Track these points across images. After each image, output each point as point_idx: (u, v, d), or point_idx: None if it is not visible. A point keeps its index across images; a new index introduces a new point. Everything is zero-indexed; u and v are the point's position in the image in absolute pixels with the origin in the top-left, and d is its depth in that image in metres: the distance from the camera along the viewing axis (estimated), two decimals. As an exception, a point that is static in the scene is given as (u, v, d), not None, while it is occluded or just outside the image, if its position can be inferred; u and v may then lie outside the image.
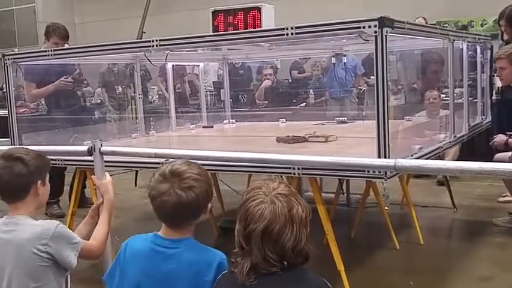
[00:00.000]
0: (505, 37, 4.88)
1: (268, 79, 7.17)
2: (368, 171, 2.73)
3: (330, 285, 1.60)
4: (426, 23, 7.00)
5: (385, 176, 2.71)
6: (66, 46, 5.14)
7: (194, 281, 1.75)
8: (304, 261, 1.55)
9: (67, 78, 5.10)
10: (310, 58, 7.23)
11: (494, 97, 4.76)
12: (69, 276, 2.02)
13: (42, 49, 4.56)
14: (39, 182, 2.01)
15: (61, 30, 5.23)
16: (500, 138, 4.09)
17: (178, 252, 1.79)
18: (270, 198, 1.52)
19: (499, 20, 4.99)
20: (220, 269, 1.74)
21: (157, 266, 1.79)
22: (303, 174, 2.96)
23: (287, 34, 2.95)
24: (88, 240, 2.12)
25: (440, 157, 4.02)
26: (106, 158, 2.72)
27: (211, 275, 1.74)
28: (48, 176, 2.08)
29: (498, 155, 4.09)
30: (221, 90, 5.63)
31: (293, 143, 3.78)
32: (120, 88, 7.31)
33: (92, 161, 2.70)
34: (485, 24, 8.60)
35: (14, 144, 3.97)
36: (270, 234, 1.48)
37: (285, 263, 1.53)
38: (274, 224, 1.48)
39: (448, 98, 4.08)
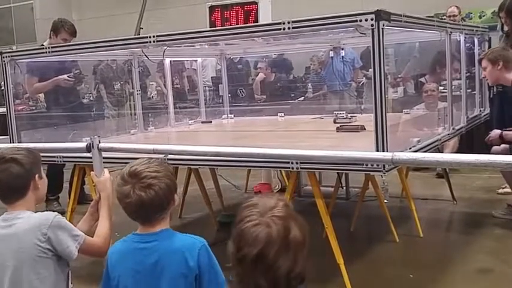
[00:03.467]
0: (505, 28, 4.89)
1: (262, 72, 7.16)
2: (366, 165, 2.73)
3: None
4: (459, 13, 6.99)
5: (384, 169, 2.71)
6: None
7: (178, 268, 1.79)
8: (300, 284, 1.45)
9: (70, 76, 5.10)
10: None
11: (494, 89, 4.76)
12: (70, 272, 2.03)
13: (45, 45, 4.54)
14: (36, 176, 2.05)
15: (70, 26, 5.24)
16: (494, 132, 4.12)
17: (157, 245, 1.84)
18: (265, 220, 1.40)
19: (499, 12, 5.00)
20: (202, 253, 1.78)
21: (142, 261, 1.84)
22: (301, 168, 2.96)
23: (284, 28, 2.95)
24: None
25: (439, 149, 4.03)
26: (105, 154, 2.72)
27: (194, 260, 1.77)
28: (42, 169, 2.11)
29: (494, 148, 4.11)
30: (219, 85, 5.62)
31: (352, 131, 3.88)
32: (118, 84, 7.31)
33: (91, 157, 2.71)
34: (484, 16, 8.58)
35: (13, 142, 3.98)
36: (263, 260, 1.38)
37: None
38: (269, 250, 1.37)
39: (446, 91, 4.09)
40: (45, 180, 2.12)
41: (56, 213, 1.99)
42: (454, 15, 6.86)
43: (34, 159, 2.06)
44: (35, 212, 2.02)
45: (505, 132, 4.06)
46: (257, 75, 7.33)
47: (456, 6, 7.01)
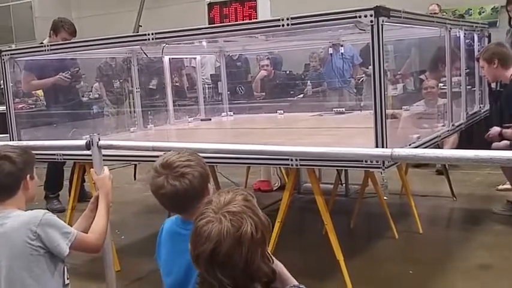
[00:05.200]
0: None
1: (265, 70, 7.15)
2: (365, 161, 2.73)
3: None
4: (440, 11, 6.97)
5: (383, 165, 2.71)
6: None
7: None
8: (268, 282, 1.41)
9: (66, 73, 5.10)
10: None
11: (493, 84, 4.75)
12: (66, 268, 2.02)
13: (45, 43, 4.54)
14: (28, 176, 2.05)
15: (70, 26, 5.25)
16: (494, 129, 4.14)
17: (188, 234, 1.83)
18: (218, 217, 1.38)
19: (507, 6, 5.04)
20: None
21: (178, 245, 1.84)
22: (300, 165, 2.96)
23: (283, 25, 2.94)
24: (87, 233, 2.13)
25: (439, 146, 4.03)
26: (105, 152, 2.72)
27: None
28: (34, 169, 2.11)
29: (495, 144, 4.12)
30: (218, 82, 5.62)
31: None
32: (118, 82, 7.30)
33: (90, 155, 2.71)
34: (483, 12, 8.58)
35: (13, 140, 3.97)
36: (217, 257, 1.35)
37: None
38: (221, 246, 1.34)
39: (445, 87, 4.09)
40: (36, 181, 2.12)
41: (45, 210, 1.99)
42: (435, 13, 6.83)
43: (28, 159, 2.07)
44: (26, 211, 2.01)
45: (504, 130, 4.07)
46: (258, 72, 7.32)
47: (437, 4, 6.99)
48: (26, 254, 1.89)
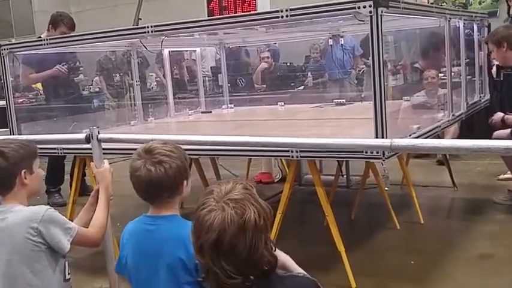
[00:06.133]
0: None
1: (265, 62, 7.14)
2: (366, 152, 2.73)
3: (319, 284, 1.50)
4: (428, 2, 6.94)
5: (383, 156, 2.71)
6: None
7: (169, 258, 1.78)
8: (270, 269, 1.43)
9: (63, 65, 5.11)
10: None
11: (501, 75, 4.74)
12: (67, 263, 2.03)
13: (43, 37, 4.54)
14: (23, 171, 2.00)
15: (69, 20, 5.25)
16: (497, 116, 4.13)
17: (157, 229, 1.85)
18: (220, 205, 1.38)
19: None
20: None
21: (145, 243, 1.86)
22: (301, 157, 2.96)
23: (282, 17, 2.93)
24: (88, 227, 2.13)
25: (440, 136, 4.03)
26: (105, 145, 2.72)
27: (184, 252, 1.74)
28: (36, 163, 2.08)
29: (497, 132, 4.12)
30: (219, 75, 5.61)
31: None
32: (118, 76, 7.30)
33: (91, 148, 2.71)
34: (484, 2, 8.55)
35: (13, 134, 3.98)
36: (222, 245, 1.35)
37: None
38: (225, 234, 1.34)
39: (446, 77, 4.08)
40: (37, 175, 2.08)
41: (47, 207, 1.98)
42: None
43: (24, 154, 2.02)
44: (28, 206, 2.01)
45: (506, 116, 4.07)
46: (259, 64, 7.30)
47: None
48: (26, 250, 1.89)
